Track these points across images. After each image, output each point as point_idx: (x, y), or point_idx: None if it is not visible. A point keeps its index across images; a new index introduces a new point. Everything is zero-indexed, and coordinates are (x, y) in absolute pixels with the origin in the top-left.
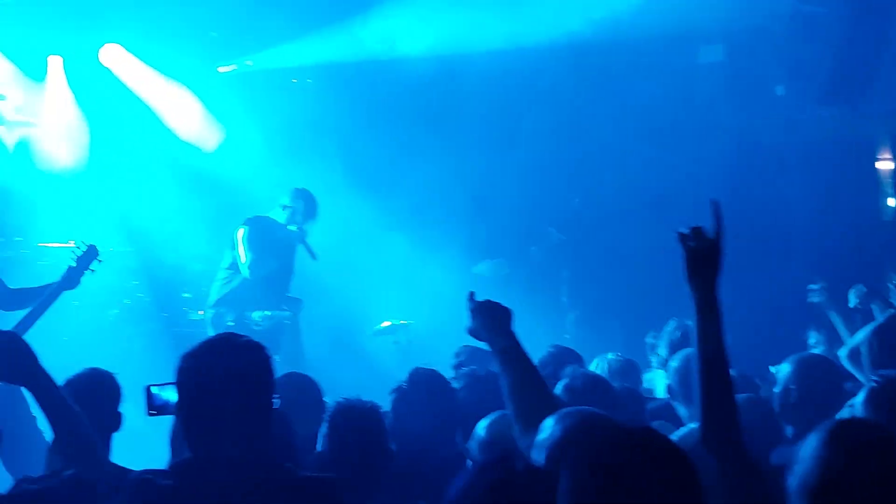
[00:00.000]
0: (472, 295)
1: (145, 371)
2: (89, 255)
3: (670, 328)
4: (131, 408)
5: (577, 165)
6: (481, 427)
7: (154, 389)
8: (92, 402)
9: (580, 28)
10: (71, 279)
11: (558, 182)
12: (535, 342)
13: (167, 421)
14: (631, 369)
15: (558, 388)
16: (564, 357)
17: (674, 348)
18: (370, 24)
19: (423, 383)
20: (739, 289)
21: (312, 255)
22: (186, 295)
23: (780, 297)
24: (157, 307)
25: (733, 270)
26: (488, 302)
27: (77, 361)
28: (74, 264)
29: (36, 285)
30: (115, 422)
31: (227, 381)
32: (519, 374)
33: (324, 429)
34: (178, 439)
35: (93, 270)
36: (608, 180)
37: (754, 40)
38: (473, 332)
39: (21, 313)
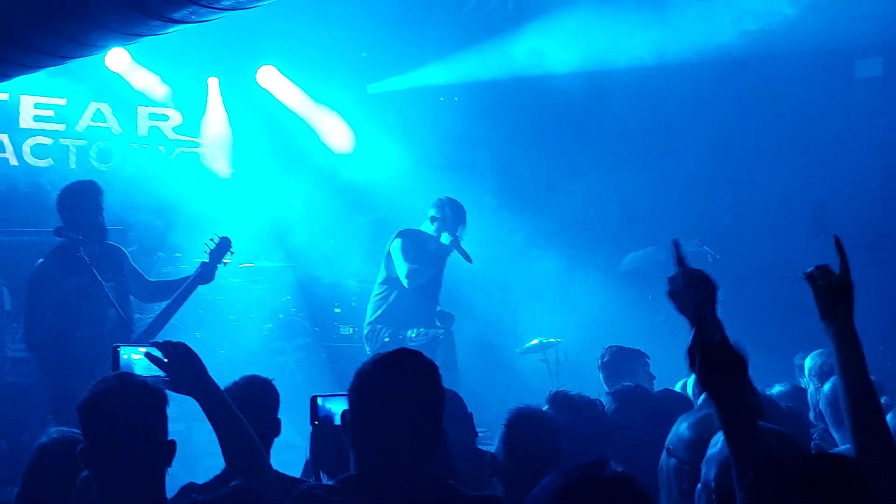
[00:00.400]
0: (682, 257)
1: (298, 385)
2: (222, 248)
3: (820, 351)
4: (284, 420)
5: (727, 180)
6: (684, 427)
7: (320, 400)
8: (251, 409)
9: (732, 41)
10: (205, 274)
11: (708, 197)
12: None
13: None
14: (797, 392)
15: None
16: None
17: (823, 374)
18: (518, 42)
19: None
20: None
21: (468, 259)
22: (337, 310)
23: None
24: (310, 322)
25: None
26: (698, 271)
27: (233, 375)
28: (207, 259)
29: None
30: (274, 428)
31: (403, 398)
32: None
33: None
34: (319, 451)
35: (225, 263)
36: (759, 195)
37: None
38: (675, 297)
39: (158, 306)
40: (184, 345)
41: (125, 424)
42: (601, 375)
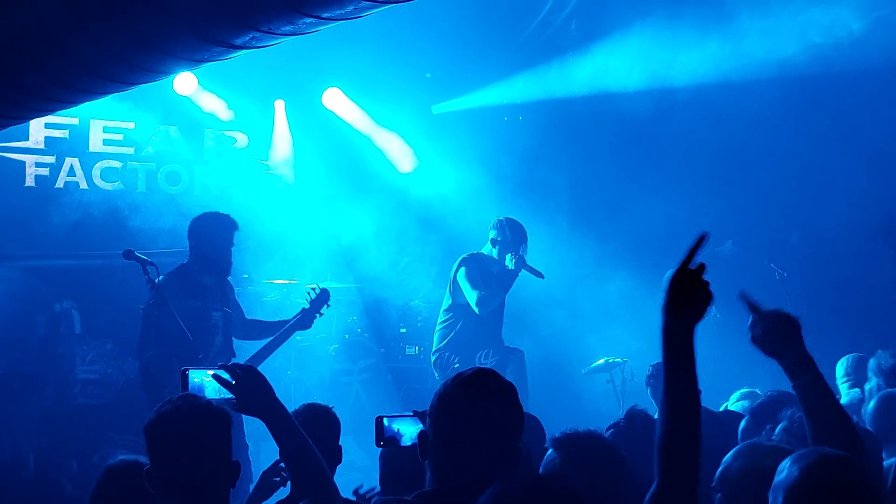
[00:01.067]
0: (753, 303)
1: (363, 406)
2: (321, 299)
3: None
4: (351, 441)
5: (795, 198)
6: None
7: (385, 421)
8: (312, 437)
9: (798, 56)
10: (304, 321)
11: (776, 215)
12: (757, 383)
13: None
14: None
15: (777, 431)
16: (784, 400)
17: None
18: (582, 61)
19: (640, 421)
20: None
21: (539, 275)
22: (403, 330)
23: None
24: (376, 342)
25: None
26: (776, 311)
27: (300, 396)
28: (308, 306)
29: (270, 319)
30: (336, 457)
31: (483, 418)
32: (817, 404)
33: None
34: (390, 472)
35: (321, 314)
36: (828, 213)
37: None
38: (759, 343)
39: (253, 345)
40: (252, 367)
41: (190, 446)
42: (648, 391)
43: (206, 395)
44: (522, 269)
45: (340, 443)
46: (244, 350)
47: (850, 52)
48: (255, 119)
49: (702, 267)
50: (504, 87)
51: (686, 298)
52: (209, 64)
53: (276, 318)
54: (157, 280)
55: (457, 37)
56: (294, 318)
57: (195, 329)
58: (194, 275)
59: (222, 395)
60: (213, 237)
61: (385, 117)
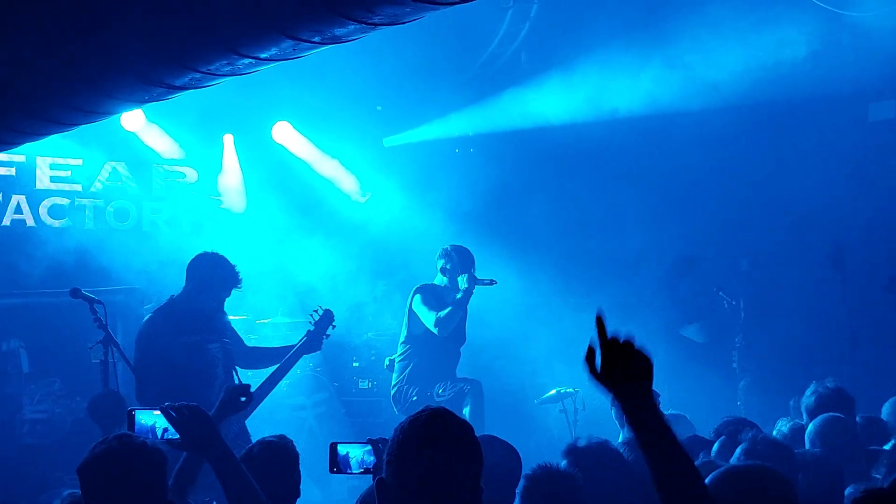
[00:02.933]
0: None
1: (318, 441)
2: (326, 320)
3: (808, 392)
4: (304, 476)
5: (743, 225)
6: None
7: (340, 448)
8: (269, 472)
9: (744, 86)
10: (311, 343)
11: (725, 243)
12: (706, 409)
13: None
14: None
15: (736, 454)
16: (739, 426)
17: (810, 413)
18: (532, 93)
19: (594, 453)
20: None
21: (492, 282)
22: (356, 364)
23: None
24: (329, 377)
25: None
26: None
27: (254, 432)
28: (313, 328)
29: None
30: (293, 491)
31: (439, 464)
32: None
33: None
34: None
35: (328, 336)
36: (776, 240)
37: None
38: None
39: (260, 373)
40: (196, 406)
41: (122, 486)
42: (613, 412)
43: (153, 435)
44: (477, 286)
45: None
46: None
47: (796, 79)
48: (204, 154)
49: (624, 342)
50: (455, 120)
51: (623, 375)
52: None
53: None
54: (104, 319)
55: (407, 69)
56: (299, 342)
57: (194, 364)
58: (186, 309)
59: (170, 434)
60: (216, 278)
61: (336, 150)
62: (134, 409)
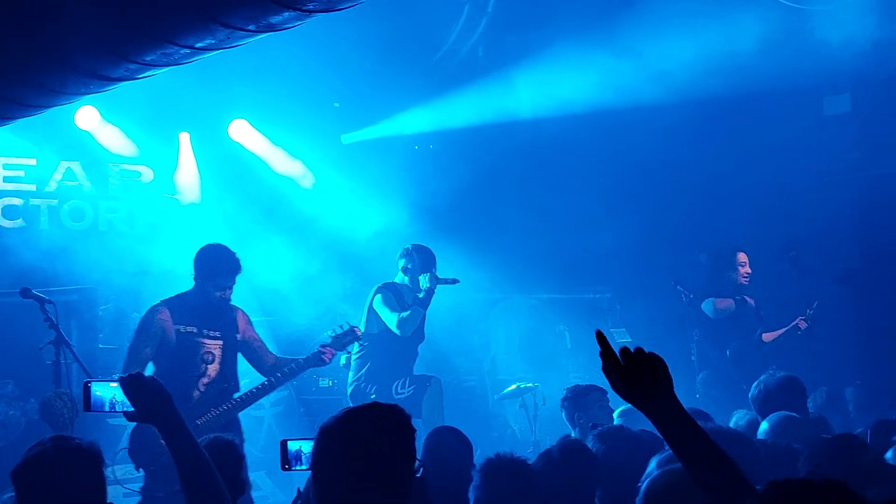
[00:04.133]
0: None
1: (276, 440)
2: (348, 337)
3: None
4: (263, 475)
5: (700, 220)
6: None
7: (291, 444)
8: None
9: (700, 79)
10: (320, 358)
11: (684, 239)
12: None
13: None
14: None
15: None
16: (696, 417)
17: (757, 405)
18: (490, 89)
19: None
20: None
21: (454, 281)
22: None
23: None
24: None
25: (868, 317)
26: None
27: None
28: (329, 342)
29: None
30: (238, 488)
31: (370, 449)
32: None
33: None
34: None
35: (349, 352)
36: (733, 233)
37: (883, 88)
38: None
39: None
40: (152, 378)
41: (59, 489)
42: (563, 414)
43: (107, 407)
44: (438, 285)
45: (252, 477)
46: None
47: (752, 73)
48: (160, 152)
49: (635, 352)
50: (414, 116)
51: (637, 385)
52: (112, 98)
53: None
54: (55, 319)
55: (364, 66)
56: (311, 354)
57: (183, 355)
58: (189, 300)
59: (125, 406)
60: (221, 272)
61: (294, 147)
62: (90, 381)
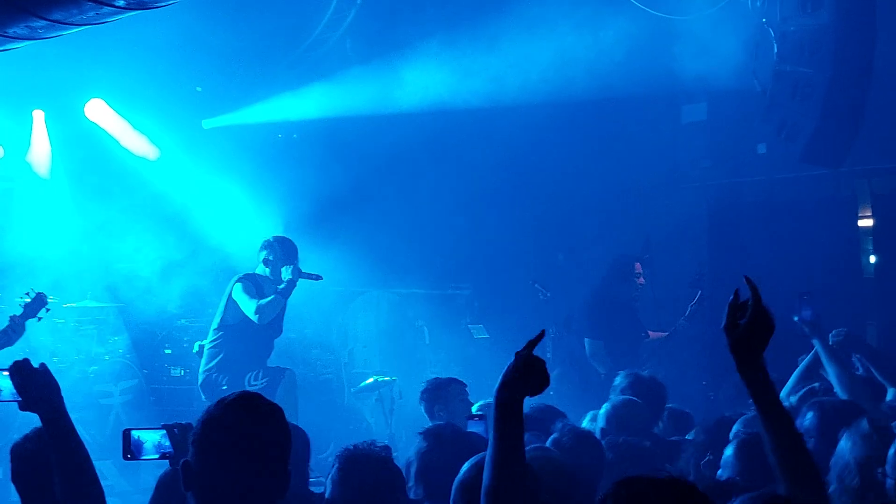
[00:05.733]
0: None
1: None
2: (37, 304)
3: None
4: (109, 465)
5: (562, 222)
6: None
7: (133, 433)
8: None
9: (561, 84)
10: (15, 327)
11: (543, 238)
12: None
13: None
14: None
15: (547, 443)
16: (549, 414)
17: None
18: (354, 81)
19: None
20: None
21: (318, 277)
22: (168, 351)
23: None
24: (138, 364)
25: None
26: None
27: None
28: (20, 311)
29: None
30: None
31: (251, 444)
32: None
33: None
34: (167, 487)
35: (39, 318)
36: (591, 234)
37: (737, 100)
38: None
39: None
40: (44, 367)
41: None
42: (422, 406)
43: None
44: (301, 278)
45: (98, 466)
46: None
47: (613, 79)
48: (11, 130)
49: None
50: (278, 104)
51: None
52: None
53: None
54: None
55: (228, 51)
56: (5, 326)
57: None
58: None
59: (15, 396)
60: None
61: (153, 131)
62: None
